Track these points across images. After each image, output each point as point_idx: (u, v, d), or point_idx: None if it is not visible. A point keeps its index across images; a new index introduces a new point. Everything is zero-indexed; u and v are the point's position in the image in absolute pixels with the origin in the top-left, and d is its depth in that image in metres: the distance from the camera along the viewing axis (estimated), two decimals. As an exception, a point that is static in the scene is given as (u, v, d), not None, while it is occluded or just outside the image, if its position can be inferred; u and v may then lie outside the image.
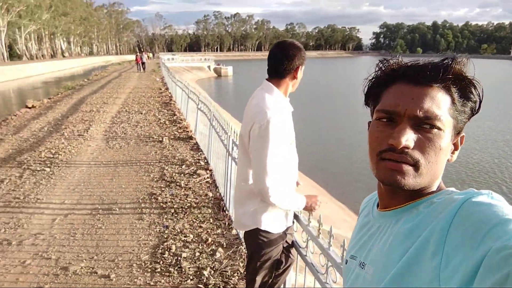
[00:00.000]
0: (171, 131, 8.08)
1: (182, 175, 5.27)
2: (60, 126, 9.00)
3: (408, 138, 0.63)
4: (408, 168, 0.64)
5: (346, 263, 0.80)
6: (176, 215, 4.04)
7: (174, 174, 5.33)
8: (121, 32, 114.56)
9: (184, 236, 3.57)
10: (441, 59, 0.66)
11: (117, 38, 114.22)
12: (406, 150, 0.64)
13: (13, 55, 54.18)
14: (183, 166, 5.64)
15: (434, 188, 0.69)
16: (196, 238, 3.54)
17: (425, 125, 0.64)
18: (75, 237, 3.64)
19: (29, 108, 12.01)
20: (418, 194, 0.68)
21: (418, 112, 0.64)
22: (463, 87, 0.66)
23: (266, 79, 1.81)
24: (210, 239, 3.49)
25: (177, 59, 49.63)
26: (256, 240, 1.80)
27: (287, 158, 1.75)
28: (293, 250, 1.98)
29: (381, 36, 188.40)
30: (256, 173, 1.67)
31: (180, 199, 4.45)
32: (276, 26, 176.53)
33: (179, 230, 3.69)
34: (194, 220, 3.91)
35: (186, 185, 4.88)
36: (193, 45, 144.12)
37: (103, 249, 3.41)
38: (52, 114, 10.72)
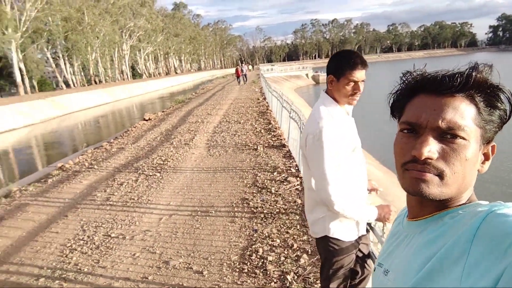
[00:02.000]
0: (266, 139, 8.39)
1: (273, 181, 5.46)
2: (170, 136, 10.06)
3: (431, 149, 0.63)
4: (433, 177, 0.64)
5: (374, 271, 0.82)
6: (265, 220, 4.21)
7: (266, 180, 5.55)
8: (225, 48, 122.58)
9: (271, 241, 3.71)
10: (466, 68, 0.65)
11: (222, 53, 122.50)
12: (430, 160, 0.64)
13: (135, 75, 62.15)
14: (275, 173, 5.83)
15: (463, 201, 0.68)
16: (283, 243, 3.65)
17: (448, 135, 0.64)
18: (177, 235, 4.06)
19: (146, 120, 13.68)
20: (446, 205, 0.68)
21: (440, 122, 0.64)
22: (488, 96, 0.65)
23: (323, 90, 1.86)
24: (295, 245, 3.56)
25: (276, 69, 50.94)
26: (327, 247, 1.82)
27: (350, 166, 1.75)
28: (369, 261, 1.94)
29: (500, 29, 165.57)
30: (318, 182, 1.71)
31: (270, 205, 4.62)
32: (376, 29, 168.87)
33: (267, 234, 3.85)
34: (282, 226, 4.03)
35: (277, 191, 5.04)
36: (291, 54, 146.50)
37: (199, 248, 3.74)
38: (164, 126, 12.03)
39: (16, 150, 14.63)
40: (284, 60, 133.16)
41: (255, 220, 4.24)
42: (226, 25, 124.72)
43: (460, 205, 0.67)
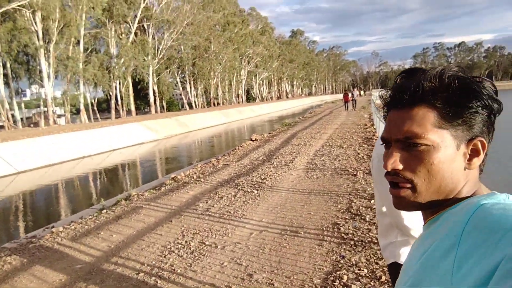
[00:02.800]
0: (367, 166, 8.02)
1: (369, 209, 5.17)
2: (272, 156, 10.36)
3: (395, 160, 0.67)
4: (405, 192, 0.67)
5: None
6: (354, 248, 4.01)
7: (361, 207, 5.29)
8: (337, 73, 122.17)
9: (358, 269, 3.50)
10: (417, 78, 0.67)
11: (334, 78, 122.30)
12: (398, 171, 0.67)
13: (249, 98, 66.06)
14: (372, 201, 5.51)
15: (463, 195, 0.67)
16: (370, 274, 3.41)
17: (410, 144, 0.66)
18: (264, 251, 4.14)
19: (252, 141, 14.35)
20: (448, 204, 0.67)
21: (398, 135, 0.67)
22: (448, 97, 0.65)
23: None
24: (384, 278, 3.30)
25: (390, 95, 48.60)
26: (396, 275, 1.67)
27: None
28: None
29: None
30: (388, 205, 1.59)
31: (362, 233, 4.38)
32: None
33: (354, 262, 3.65)
34: (372, 256, 3.77)
35: (371, 219, 4.76)
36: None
37: (283, 266, 3.74)
38: (268, 146, 12.46)
39: (142, 161, 16.78)
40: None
41: (344, 247, 4.07)
42: (340, 51, 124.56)
43: (460, 198, 0.67)
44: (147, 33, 35.67)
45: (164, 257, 4.17)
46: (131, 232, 5.07)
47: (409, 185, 0.66)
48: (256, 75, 63.23)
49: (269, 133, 17.16)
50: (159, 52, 36.81)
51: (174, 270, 3.83)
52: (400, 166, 0.66)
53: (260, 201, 6.06)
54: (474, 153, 0.67)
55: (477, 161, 0.68)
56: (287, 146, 12.08)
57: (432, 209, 0.69)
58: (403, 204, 0.68)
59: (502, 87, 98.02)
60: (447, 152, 0.65)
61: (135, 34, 33.94)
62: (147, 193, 7.20)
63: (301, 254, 3.98)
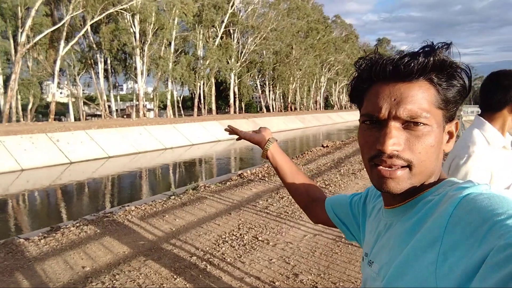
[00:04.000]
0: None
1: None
2: (340, 164, 10.13)
3: (395, 141, 0.61)
4: (402, 173, 0.62)
5: (362, 260, 0.78)
6: (410, 264, 3.77)
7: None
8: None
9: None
10: (421, 49, 0.62)
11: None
12: (396, 152, 0.61)
13: (327, 105, 65.04)
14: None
15: (433, 179, 0.66)
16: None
17: (410, 123, 0.61)
18: (314, 254, 4.10)
19: (323, 147, 14.16)
20: (418, 189, 0.65)
21: (402, 112, 0.61)
22: (446, 76, 0.63)
23: (478, 115, 1.59)
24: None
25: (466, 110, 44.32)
26: None
27: None
28: None
29: None
30: None
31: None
32: None
33: (407, 278, 3.44)
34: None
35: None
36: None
37: (331, 271, 3.67)
38: (338, 154, 12.20)
39: (216, 156, 17.57)
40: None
41: (399, 261, 3.85)
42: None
43: (431, 183, 0.65)
44: (232, 37, 37.22)
45: (218, 245, 4.35)
46: (193, 218, 5.37)
47: (406, 166, 0.61)
48: (336, 82, 62.09)
49: (342, 141, 16.77)
50: (242, 55, 38.14)
51: (224, 258, 3.98)
52: (401, 148, 0.61)
53: (319, 206, 5.98)
54: (450, 134, 0.67)
55: (452, 143, 0.67)
56: (358, 155, 11.69)
57: (405, 193, 0.65)
58: (394, 187, 0.62)
59: None
60: (440, 133, 0.64)
61: (221, 37, 35.64)
62: (213, 186, 7.54)
63: (352, 263, 3.86)
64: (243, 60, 38.36)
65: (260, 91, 48.27)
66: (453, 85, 0.63)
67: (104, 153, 16.13)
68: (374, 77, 0.65)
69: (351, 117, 49.00)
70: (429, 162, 0.62)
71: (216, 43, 34.36)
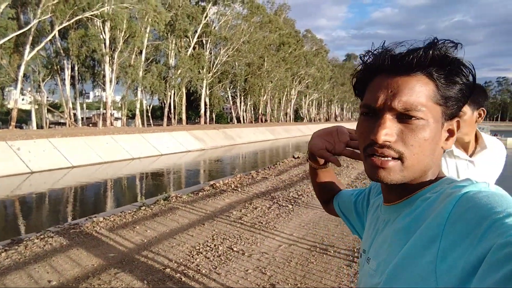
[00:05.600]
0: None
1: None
2: (312, 174, 10.24)
3: (388, 132, 0.61)
4: (393, 164, 0.62)
5: (360, 257, 0.79)
6: (385, 272, 3.83)
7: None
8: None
9: (385, 294, 3.34)
10: (423, 44, 0.63)
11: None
12: (388, 143, 0.61)
13: (297, 118, 65.98)
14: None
15: (430, 177, 0.66)
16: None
17: (405, 116, 0.61)
18: (290, 264, 4.08)
19: (294, 158, 14.29)
20: (416, 186, 0.65)
21: (396, 104, 0.61)
22: (447, 72, 0.62)
23: None
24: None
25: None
26: None
27: None
28: None
29: None
30: None
31: (395, 259, 4.18)
32: None
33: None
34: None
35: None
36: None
37: (307, 281, 3.66)
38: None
39: (186, 167, 17.28)
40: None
41: (374, 270, 3.90)
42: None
43: (428, 182, 0.65)
44: (204, 48, 37.16)
45: (192, 257, 4.24)
46: (165, 229, 5.22)
47: (397, 158, 0.62)
48: (306, 95, 63.21)
49: (313, 153, 17.01)
50: (214, 66, 38.13)
51: (199, 270, 3.88)
52: (393, 138, 0.62)
53: (293, 216, 6.00)
54: (451, 133, 0.66)
55: (452, 141, 0.66)
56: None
57: (402, 189, 0.66)
58: (385, 176, 0.62)
59: None
60: (437, 129, 0.63)
61: (194, 48, 35.51)
62: (185, 196, 7.40)
63: (328, 272, 3.87)
64: (215, 70, 38.35)
65: (231, 102, 48.36)
66: (454, 82, 0.62)
67: (68, 162, 15.49)
68: (375, 69, 0.66)
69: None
70: (423, 156, 0.62)
71: (189, 53, 34.17)
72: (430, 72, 0.62)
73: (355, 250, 4.48)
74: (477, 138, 1.67)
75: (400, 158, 0.62)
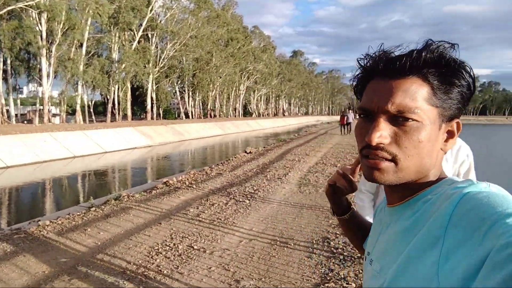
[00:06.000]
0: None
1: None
2: (265, 169, 10.35)
3: (382, 134, 0.62)
4: (387, 165, 0.63)
5: (365, 260, 0.80)
6: (343, 262, 3.98)
7: (352, 224, 5.28)
8: (335, 95, 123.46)
9: (346, 283, 3.48)
10: (418, 47, 0.64)
11: (331, 100, 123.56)
12: (382, 145, 0.62)
13: (246, 113, 66.31)
14: (364, 218, 5.51)
15: (431, 178, 0.66)
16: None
17: (399, 118, 0.62)
18: (252, 258, 4.09)
19: (247, 153, 14.35)
20: (417, 188, 0.66)
21: (390, 106, 0.62)
22: (443, 74, 0.62)
23: None
24: None
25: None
26: None
27: None
28: None
29: None
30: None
31: (351, 248, 4.36)
32: (507, 88, 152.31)
33: (342, 276, 3.62)
34: (361, 271, 3.75)
35: (362, 236, 4.75)
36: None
37: (271, 274, 3.70)
38: (262, 160, 12.46)
39: (133, 164, 16.64)
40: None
41: (333, 260, 4.04)
42: (339, 74, 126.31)
43: (429, 182, 0.66)
44: (150, 42, 35.89)
45: (151, 257, 4.10)
46: (119, 231, 5.00)
47: (391, 159, 0.63)
48: (254, 90, 63.64)
49: (264, 147, 17.19)
50: (161, 61, 37.00)
51: (160, 271, 3.77)
52: (387, 141, 0.62)
53: (251, 211, 6.02)
54: (450, 134, 0.66)
55: (452, 143, 0.67)
56: (281, 161, 12.09)
57: (403, 191, 0.67)
58: (379, 177, 0.64)
59: (495, 122, 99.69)
60: (433, 131, 0.63)
61: (139, 41, 34.15)
62: (138, 195, 7.13)
63: (290, 265, 3.94)
64: (161, 65, 37.22)
65: (179, 98, 47.31)
66: (451, 83, 0.63)
67: (1, 162, 14.24)
68: (371, 73, 0.68)
69: (269, 124, 50.59)
70: (418, 158, 0.62)
71: (133, 46, 32.76)
72: (424, 74, 0.63)
73: (314, 242, 4.60)
74: None
75: (394, 160, 0.63)
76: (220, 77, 47.54)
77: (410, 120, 0.62)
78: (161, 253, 4.22)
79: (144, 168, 15.86)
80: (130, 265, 3.89)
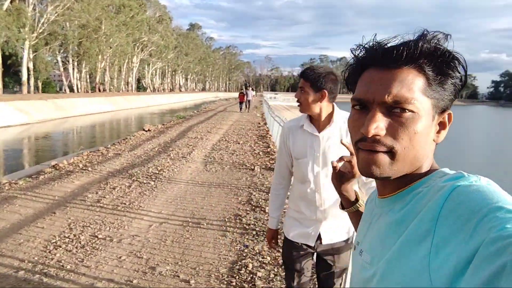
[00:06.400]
0: (264, 161, 8.36)
1: (268, 201, 5.38)
2: (168, 148, 10.02)
3: (378, 125, 0.61)
4: (383, 158, 0.62)
5: (354, 249, 0.80)
6: (257, 237, 4.12)
7: (260, 200, 5.48)
8: (232, 72, 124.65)
9: (262, 257, 3.62)
10: (413, 37, 0.63)
11: (228, 76, 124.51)
12: (378, 137, 0.62)
13: (140, 87, 62.76)
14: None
15: (423, 170, 0.66)
16: (273, 261, 3.56)
17: (396, 109, 0.61)
18: (166, 243, 3.96)
19: (145, 131, 13.67)
20: (409, 180, 0.65)
21: (386, 97, 0.61)
22: (438, 65, 0.62)
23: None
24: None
25: (279, 98, 51.71)
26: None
27: (295, 170, 1.94)
28: None
29: (501, 85, 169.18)
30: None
31: (262, 223, 4.54)
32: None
33: (257, 251, 3.76)
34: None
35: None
36: (296, 85, 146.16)
37: (187, 257, 3.64)
38: (163, 138, 12.01)
39: (7, 146, 14.45)
40: (288, 91, 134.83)
41: (247, 236, 4.15)
42: (236, 51, 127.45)
43: (421, 174, 0.65)
44: (27, 3, 30.87)
45: (49, 252, 3.66)
46: (4, 224, 4.32)
47: (387, 151, 0.62)
48: (149, 64, 60.30)
49: (163, 125, 16.58)
50: (40, 25, 32.25)
51: (62, 266, 3.39)
52: (383, 132, 0.61)
53: (158, 193, 5.79)
54: (442, 125, 0.66)
55: (444, 134, 0.66)
56: (183, 139, 11.83)
57: (396, 183, 0.66)
58: (375, 171, 0.63)
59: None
60: (428, 123, 0.63)
61: (11, 1, 29.07)
62: (22, 182, 6.25)
63: (205, 245, 3.93)
64: (40, 31, 32.47)
65: (61, 69, 42.09)
66: (446, 74, 0.62)
67: None
68: (366, 63, 0.66)
69: (165, 100, 48.85)
70: (413, 149, 0.62)
71: (5, 7, 27.74)
72: (420, 65, 0.62)
73: (226, 220, 4.66)
74: (332, 114, 1.85)
75: (390, 152, 0.62)
76: (111, 48, 43.75)
77: (406, 111, 0.61)
78: (60, 247, 3.79)
79: (21, 150, 13.87)
80: (24, 263, 3.41)
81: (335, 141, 1.80)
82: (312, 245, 1.90)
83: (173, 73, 77.26)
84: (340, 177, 0.98)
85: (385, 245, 0.63)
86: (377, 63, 0.64)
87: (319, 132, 1.83)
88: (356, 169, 0.95)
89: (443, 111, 0.65)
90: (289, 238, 1.95)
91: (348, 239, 1.92)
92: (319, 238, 1.88)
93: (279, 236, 2.16)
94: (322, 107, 1.81)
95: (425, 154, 0.65)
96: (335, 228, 1.88)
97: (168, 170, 7.34)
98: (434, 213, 0.55)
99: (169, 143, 10.96)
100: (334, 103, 1.87)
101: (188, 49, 75.25)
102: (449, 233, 0.51)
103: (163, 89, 70.66)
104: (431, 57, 0.62)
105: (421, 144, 0.63)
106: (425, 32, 0.62)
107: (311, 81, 1.79)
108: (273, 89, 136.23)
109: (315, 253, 1.95)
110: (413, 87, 0.61)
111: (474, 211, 0.50)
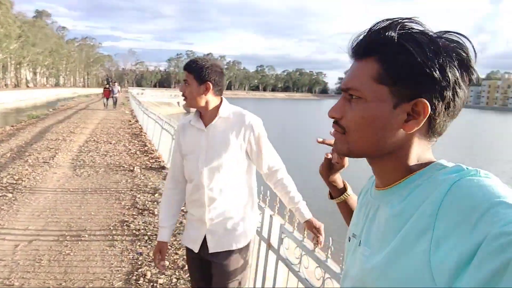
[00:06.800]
0: (143, 161, 7.93)
1: (155, 203, 5.13)
2: (23, 153, 8.59)
3: (335, 109, 0.69)
4: (339, 136, 0.71)
5: (349, 241, 0.79)
6: (150, 242, 3.89)
7: (146, 202, 5.19)
8: (90, 66, 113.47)
9: (160, 263, 3.43)
10: (376, 28, 0.65)
11: (86, 71, 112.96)
12: (335, 119, 0.70)
13: (-27, 82, 52.02)
14: (156, 195, 5.50)
15: (415, 161, 0.66)
16: (173, 265, 3.42)
17: (349, 96, 0.68)
18: (41, 263, 3.41)
19: (-12, 134, 11.42)
20: (404, 171, 0.66)
21: (343, 86, 0.69)
22: (393, 52, 0.62)
23: None
24: (187, 266, 3.37)
25: (147, 93, 49.48)
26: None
27: (185, 167, 1.84)
28: None
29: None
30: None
31: (153, 227, 4.31)
32: (247, 67, 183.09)
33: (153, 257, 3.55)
34: (169, 247, 3.78)
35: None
36: (164, 81, 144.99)
37: (72, 276, 3.21)
38: (15, 141, 10.25)
39: None
40: (155, 86, 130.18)
41: (139, 243, 3.88)
42: (94, 43, 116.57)
43: (417, 166, 0.65)
44: None
45: None
46: None
47: (342, 132, 0.69)
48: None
49: (12, 126, 14.14)
50: None
51: None
52: (338, 115, 0.69)
53: (19, 206, 4.93)
54: (415, 114, 0.62)
55: (414, 124, 0.62)
56: (42, 141, 10.31)
57: (391, 173, 0.67)
58: (335, 147, 0.73)
59: (238, 96, 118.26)
60: (382, 109, 0.63)
61: None
62: None
63: (92, 259, 3.53)
64: None
65: None
66: (401, 61, 0.61)
67: None
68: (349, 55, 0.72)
69: (9, 98, 41.64)
70: (363, 133, 0.66)
71: None
72: (380, 54, 0.63)
73: (112, 228, 4.27)
74: (218, 108, 1.77)
75: (344, 133, 0.69)
76: None
77: (354, 96, 0.66)
78: None
79: None
80: None
81: (224, 136, 1.72)
82: (196, 251, 1.80)
83: (18, 66, 66.38)
84: (329, 168, 1.01)
85: (385, 239, 0.63)
86: (351, 55, 0.70)
87: (205, 127, 1.76)
88: (345, 160, 0.98)
89: (411, 99, 0.62)
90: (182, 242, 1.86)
91: (242, 248, 1.78)
92: (205, 244, 1.78)
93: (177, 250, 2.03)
94: (208, 101, 1.73)
95: (393, 141, 0.64)
96: (226, 232, 1.76)
97: (28, 178, 6.30)
98: (434, 207, 0.55)
99: (24, 147, 9.41)
100: (223, 97, 1.80)
101: (35, 39, 65.52)
102: (449, 228, 0.51)
103: (5, 85, 60.12)
104: (390, 45, 0.62)
105: (373, 130, 0.65)
106: (384, 20, 0.64)
107: (194, 73, 1.71)
108: (139, 84, 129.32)
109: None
110: (363, 74, 0.65)
111: (475, 206, 0.50)
